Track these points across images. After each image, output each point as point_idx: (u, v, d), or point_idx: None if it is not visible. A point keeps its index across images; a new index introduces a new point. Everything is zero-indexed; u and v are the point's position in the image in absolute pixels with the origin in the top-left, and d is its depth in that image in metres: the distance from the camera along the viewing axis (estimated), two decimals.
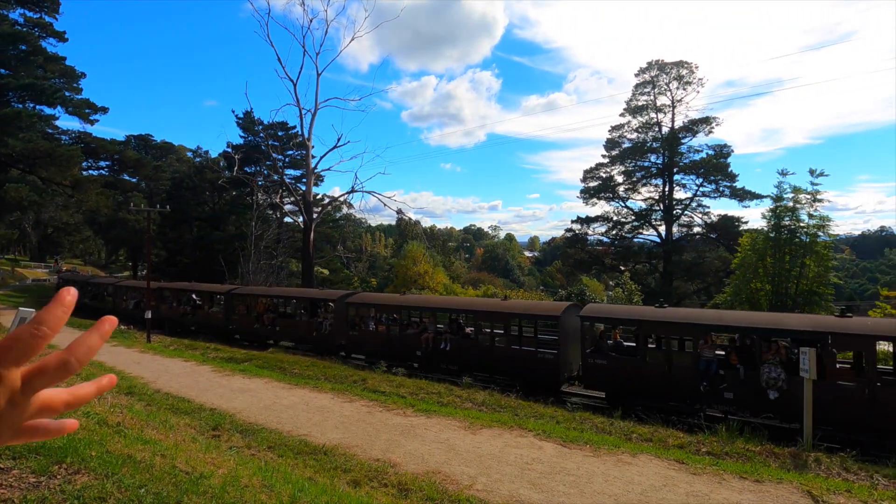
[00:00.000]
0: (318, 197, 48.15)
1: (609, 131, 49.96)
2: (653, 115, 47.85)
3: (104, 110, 46.95)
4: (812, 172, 27.81)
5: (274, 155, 48.49)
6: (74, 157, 41.20)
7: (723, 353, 12.47)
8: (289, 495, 4.69)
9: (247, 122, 52.39)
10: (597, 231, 51.18)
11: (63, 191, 44.23)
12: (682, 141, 46.67)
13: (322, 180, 55.61)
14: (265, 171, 51.81)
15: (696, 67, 46.38)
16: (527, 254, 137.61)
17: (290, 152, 52.70)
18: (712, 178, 45.61)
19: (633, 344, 14.11)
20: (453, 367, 16.24)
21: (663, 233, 47.97)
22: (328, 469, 6.95)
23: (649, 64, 47.31)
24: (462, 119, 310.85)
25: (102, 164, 56.39)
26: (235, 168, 42.77)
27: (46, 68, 43.88)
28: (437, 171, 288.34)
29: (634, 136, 48.78)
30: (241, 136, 53.76)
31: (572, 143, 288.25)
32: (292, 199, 44.21)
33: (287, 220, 50.45)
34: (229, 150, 50.58)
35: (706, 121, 45.81)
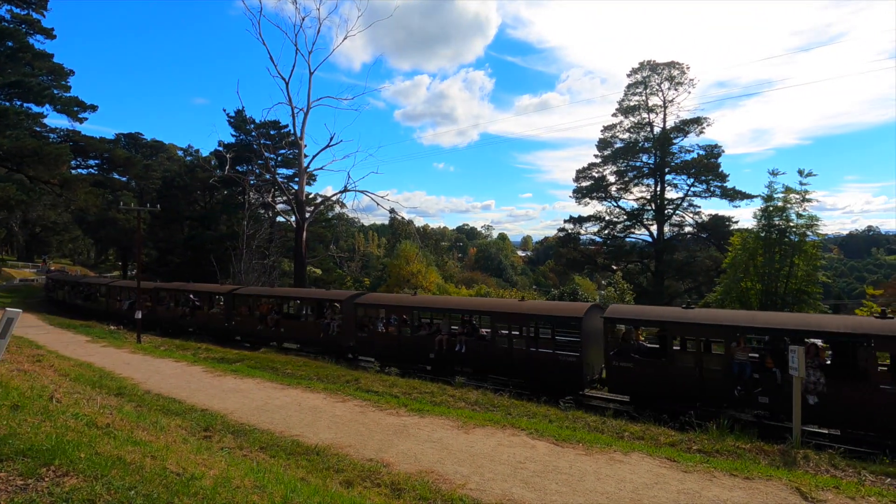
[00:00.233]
0: (310, 196, 48.05)
1: (601, 131, 50.29)
2: (645, 115, 48.18)
3: (93, 108, 46.51)
4: (801, 173, 28.11)
5: (266, 154, 48.24)
6: (63, 156, 40.74)
7: (756, 355, 12.10)
8: (281, 496, 4.67)
9: (238, 120, 52.09)
10: (589, 230, 51.46)
11: (51, 189, 43.72)
12: (674, 141, 47.01)
13: (314, 179, 55.49)
14: (257, 170, 51.52)
15: (688, 68, 46.80)
16: (520, 253, 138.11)
17: (283, 151, 52.50)
18: (703, 178, 46.00)
19: (656, 346, 13.63)
20: (468, 370, 15.71)
21: (655, 232, 48.31)
22: (321, 469, 6.93)
23: (641, 64, 47.64)
24: (455, 118, 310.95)
25: (91, 162, 55.86)
26: (227, 167, 42.45)
27: (34, 65, 43.36)
28: (430, 171, 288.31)
29: (626, 136, 49.10)
30: (232, 135, 53.54)
31: (565, 143, 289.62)
32: (284, 198, 44.00)
33: (279, 219, 50.21)
34: (221, 148, 50.25)
35: (697, 121, 46.21)
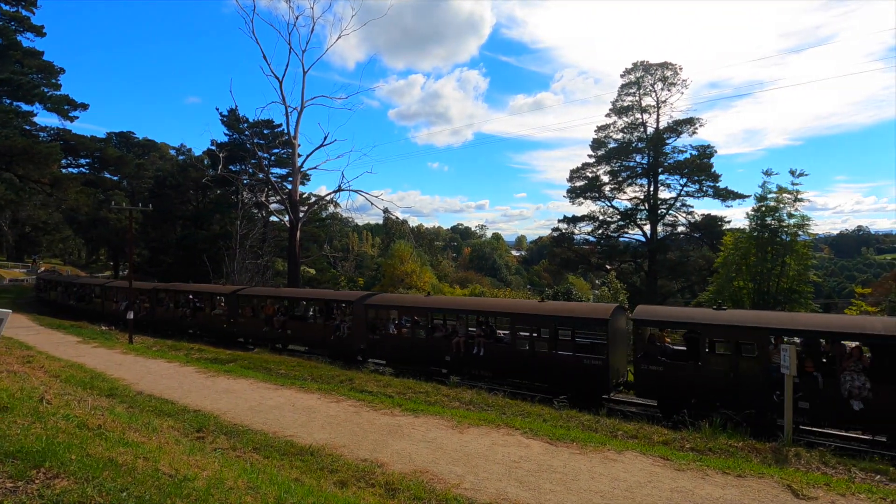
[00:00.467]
0: (304, 196, 47.86)
1: (595, 131, 50.56)
2: (638, 115, 48.46)
3: (84, 107, 46.15)
4: (793, 173, 28.44)
5: (259, 153, 47.99)
6: (53, 155, 40.37)
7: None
8: (275, 497, 4.64)
9: (231, 119, 51.80)
10: (583, 230, 51.79)
11: (41, 189, 43.31)
12: (667, 141, 47.33)
13: (308, 179, 55.35)
14: (250, 170, 51.30)
15: (681, 69, 47.15)
16: (514, 253, 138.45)
17: (276, 150, 52.24)
18: (696, 178, 46.35)
19: (682, 348, 13.20)
20: (486, 374, 15.29)
21: (648, 232, 48.61)
22: (315, 470, 6.90)
23: (634, 65, 47.92)
24: (449, 118, 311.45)
25: (82, 161, 55.41)
26: (220, 166, 42.17)
27: (24, 63, 42.93)
28: (425, 171, 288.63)
29: (620, 136, 49.37)
30: (225, 134, 53.22)
31: (559, 143, 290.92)
32: (278, 197, 43.80)
33: (273, 219, 49.97)
34: (214, 147, 49.97)
35: (690, 122, 46.54)
